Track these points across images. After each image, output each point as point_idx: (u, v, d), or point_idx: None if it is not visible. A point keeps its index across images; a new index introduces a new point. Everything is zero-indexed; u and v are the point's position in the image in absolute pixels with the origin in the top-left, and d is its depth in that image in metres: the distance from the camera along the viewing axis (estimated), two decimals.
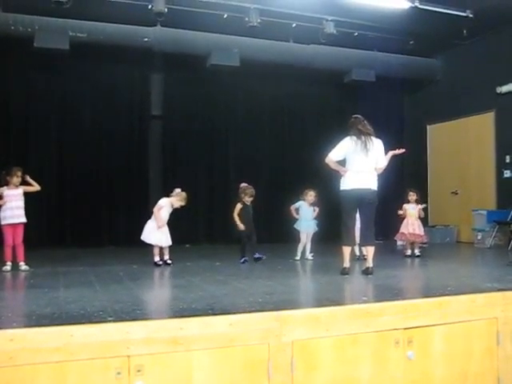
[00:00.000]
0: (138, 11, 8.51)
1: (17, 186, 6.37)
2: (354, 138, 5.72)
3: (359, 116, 5.91)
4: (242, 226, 7.16)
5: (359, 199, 5.69)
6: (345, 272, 5.70)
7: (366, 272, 5.71)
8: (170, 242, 6.95)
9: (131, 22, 8.90)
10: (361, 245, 6.33)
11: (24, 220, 6.36)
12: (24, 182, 6.44)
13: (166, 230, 6.96)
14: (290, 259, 7.34)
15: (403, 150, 6.27)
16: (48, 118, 9.72)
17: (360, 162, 5.69)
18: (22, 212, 6.35)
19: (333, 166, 5.80)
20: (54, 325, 3.21)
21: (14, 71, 9.41)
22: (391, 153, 6.13)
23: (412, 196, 7.92)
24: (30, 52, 8.58)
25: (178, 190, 7.10)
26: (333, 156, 5.78)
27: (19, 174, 6.35)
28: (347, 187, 5.70)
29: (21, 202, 6.35)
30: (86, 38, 8.72)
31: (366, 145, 5.68)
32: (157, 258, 6.84)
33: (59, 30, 8.53)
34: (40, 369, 3.02)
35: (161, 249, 6.91)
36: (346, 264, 5.74)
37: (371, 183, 5.72)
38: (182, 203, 7.02)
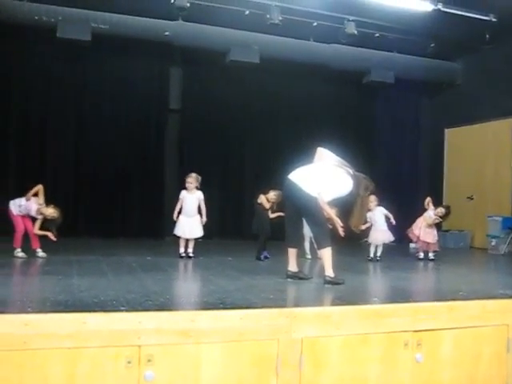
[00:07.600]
0: (159, 5, 8.58)
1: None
2: None
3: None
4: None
5: None
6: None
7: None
8: (195, 235, 6.92)
9: (153, 15, 8.96)
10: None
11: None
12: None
13: (192, 221, 6.93)
14: (301, 258, 7.33)
15: None
16: (67, 107, 9.80)
17: None
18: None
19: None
20: (68, 311, 3.26)
21: (35, 61, 9.49)
22: None
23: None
24: (52, 42, 8.67)
25: None
26: None
27: None
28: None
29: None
30: (108, 30, 8.78)
31: None
32: (181, 250, 6.89)
33: (82, 21, 8.60)
34: (52, 354, 3.07)
35: (187, 241, 6.93)
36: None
37: None
38: (187, 185, 6.94)
